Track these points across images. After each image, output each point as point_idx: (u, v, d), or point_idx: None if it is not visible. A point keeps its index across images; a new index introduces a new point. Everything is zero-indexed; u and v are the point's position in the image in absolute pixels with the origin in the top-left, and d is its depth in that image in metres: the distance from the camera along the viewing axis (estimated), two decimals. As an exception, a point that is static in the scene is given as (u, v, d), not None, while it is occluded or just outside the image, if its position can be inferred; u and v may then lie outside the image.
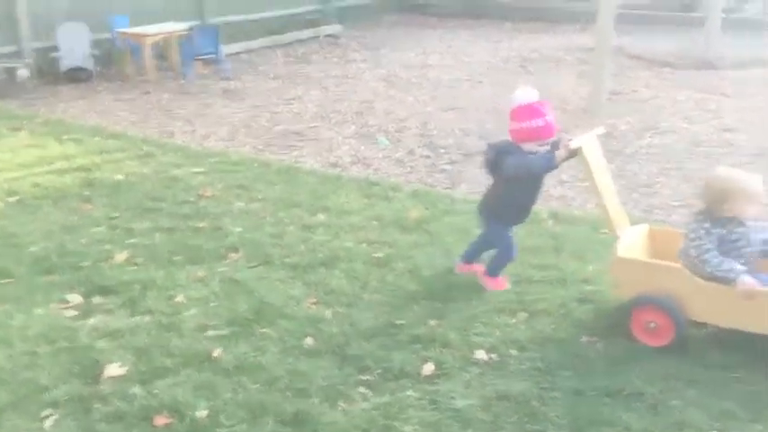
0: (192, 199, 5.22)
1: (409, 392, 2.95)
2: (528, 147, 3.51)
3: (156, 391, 2.98)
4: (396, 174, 5.90)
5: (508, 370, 3.11)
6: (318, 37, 12.09)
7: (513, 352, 3.24)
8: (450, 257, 4.17)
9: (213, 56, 9.52)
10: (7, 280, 3.99)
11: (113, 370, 3.13)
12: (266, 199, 5.20)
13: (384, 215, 4.88)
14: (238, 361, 3.19)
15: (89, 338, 3.40)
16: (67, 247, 4.39)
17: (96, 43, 9.43)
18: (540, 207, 3.78)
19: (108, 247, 4.41)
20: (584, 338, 3.35)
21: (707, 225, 3.17)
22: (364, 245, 4.40)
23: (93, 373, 3.13)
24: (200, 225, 4.73)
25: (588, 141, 3.47)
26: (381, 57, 10.67)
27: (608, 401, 2.87)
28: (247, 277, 3.98)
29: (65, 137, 6.78)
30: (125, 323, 3.53)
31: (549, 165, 3.47)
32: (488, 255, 3.91)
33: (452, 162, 6.16)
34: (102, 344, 3.35)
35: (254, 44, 11.25)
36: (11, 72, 8.62)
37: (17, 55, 9.06)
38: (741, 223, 3.17)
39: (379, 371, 3.10)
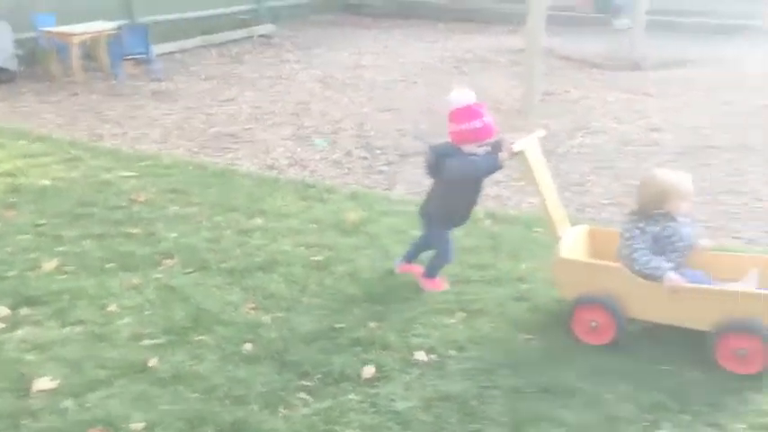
0: (123, 204, 5.08)
1: (350, 396, 2.95)
2: (468, 148, 3.54)
3: (89, 404, 2.90)
4: (333, 176, 5.88)
5: (448, 370, 3.14)
6: (252, 37, 11.94)
7: (453, 352, 3.27)
8: (390, 259, 4.19)
9: (143, 56, 9.29)
10: (-74, 293, 3.80)
11: (44, 383, 3.02)
12: (201, 203, 5.11)
13: (322, 218, 4.86)
14: (175, 370, 3.12)
15: (17, 351, 3.27)
16: (-9, 256, 4.21)
17: (20, 43, 9.07)
18: (477, 207, 3.84)
19: (35, 255, 4.25)
20: (521, 337, 3.41)
21: (641, 224, 3.27)
22: (303, 248, 4.38)
23: (21, 387, 3.01)
24: (133, 231, 4.61)
25: (530, 144, 3.52)
26: (316, 57, 10.62)
27: (545, 398, 2.93)
28: (183, 284, 3.90)
29: (-14, 141, 6.50)
30: (55, 334, 3.41)
31: (493, 167, 3.51)
32: (427, 256, 3.94)
33: (389, 163, 6.18)
34: (30, 357, 3.23)
35: (185, 44, 11.03)
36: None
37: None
38: (672, 219, 3.29)
39: (320, 375, 3.09)
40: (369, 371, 3.11)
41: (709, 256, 3.48)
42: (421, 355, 3.23)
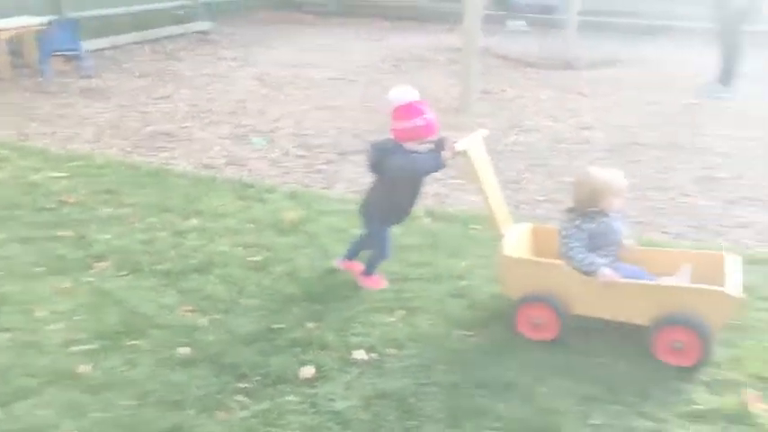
0: (53, 206, 4.92)
1: (289, 397, 2.93)
2: (410, 146, 3.54)
3: (17, 413, 2.80)
4: (271, 175, 5.82)
5: (387, 368, 3.15)
6: (188, 33, 11.72)
7: (392, 350, 3.29)
8: (329, 258, 4.18)
9: (73, 52, 9.00)
10: None
11: (-33, 394, 2.90)
12: (135, 204, 4.99)
13: (260, 217, 4.81)
14: (107, 376, 3.04)
15: (-63, 362, 3.13)
16: None
17: (-60, 38, 8.67)
18: (417, 205, 3.87)
19: (-43, 260, 4.07)
20: (459, 333, 3.45)
21: (578, 222, 3.35)
22: (240, 248, 4.32)
23: (-57, 399, 2.88)
24: (63, 233, 4.47)
25: (473, 143, 3.55)
26: (254, 55, 10.50)
27: (482, 393, 2.97)
28: (116, 287, 3.81)
29: None
30: (-21, 343, 3.28)
31: (436, 165, 3.52)
32: (366, 253, 3.94)
33: (328, 162, 6.16)
34: (-48, 367, 3.09)
35: (117, 40, 10.75)
36: None
37: None
38: (606, 215, 3.38)
39: (258, 377, 3.06)
40: (308, 371, 3.10)
41: (643, 251, 3.59)
42: (360, 354, 3.23)
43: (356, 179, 5.71)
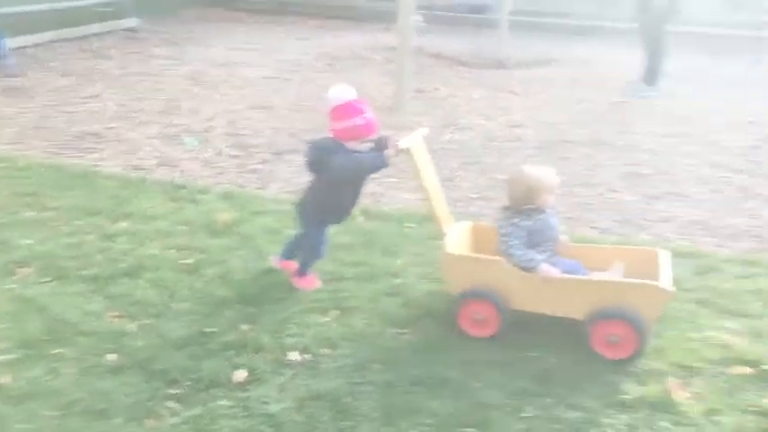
0: (-29, 210, 4.71)
1: (221, 402, 2.88)
2: (351, 145, 3.52)
3: (-69, 429, 2.66)
4: (204, 175, 5.72)
5: (321, 369, 3.14)
6: (116, 31, 11.40)
7: (326, 350, 3.27)
8: (263, 259, 4.13)
9: (-6, 50, 8.65)
10: None
11: None
12: (60, 207, 4.82)
13: (193, 219, 4.71)
14: (30, 386, 2.93)
15: None
16: None
17: None
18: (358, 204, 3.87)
19: None
20: (393, 331, 3.46)
21: (515, 220, 3.40)
22: (172, 251, 4.23)
23: None
24: (-17, 239, 4.28)
25: (415, 141, 3.55)
26: (186, 53, 10.30)
27: (417, 390, 2.99)
28: (39, 293, 3.67)
29: None
30: None
31: (379, 164, 3.51)
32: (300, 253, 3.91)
33: (263, 161, 6.09)
34: None
35: (41, 37, 10.36)
36: None
37: None
38: (542, 211, 3.45)
39: (189, 382, 3.00)
40: (240, 375, 3.05)
41: (579, 248, 3.68)
42: (294, 356, 3.21)
43: (291, 179, 5.67)
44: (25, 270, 3.93)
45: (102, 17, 11.59)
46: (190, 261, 4.09)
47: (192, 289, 3.78)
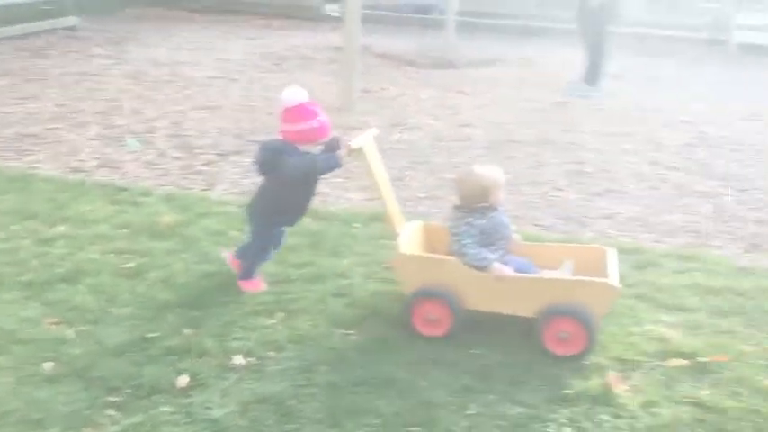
0: None
1: (163, 408, 2.82)
2: (302, 147, 3.49)
3: None
4: (147, 177, 5.61)
5: (266, 372, 3.10)
6: (55, 29, 11.08)
7: (272, 353, 3.24)
8: (208, 262, 4.07)
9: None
10: None
11: None
12: (-6, 211, 4.67)
13: (134, 222, 4.61)
14: (-38, 398, 2.82)
15: None
16: None
17: None
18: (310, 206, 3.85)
19: None
20: (339, 332, 3.45)
21: (469, 219, 3.41)
22: (112, 255, 4.13)
23: None
24: None
25: (366, 141, 3.54)
26: (128, 52, 10.08)
27: (362, 390, 2.98)
28: (-28, 302, 3.54)
29: None
30: None
31: (332, 165, 3.48)
32: (245, 261, 3.86)
33: (208, 163, 6.00)
34: None
35: (-24, 36, 10.02)
36: None
37: None
38: (495, 209, 3.48)
39: (130, 389, 2.93)
40: (183, 380, 2.99)
41: (529, 246, 3.72)
42: (239, 359, 3.16)
43: (237, 180, 5.61)
44: (-43, 277, 3.79)
45: (41, 15, 11.25)
46: (131, 265, 4.00)
47: (132, 293, 3.70)
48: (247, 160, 6.02)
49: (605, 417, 2.86)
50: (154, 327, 3.40)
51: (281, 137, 3.58)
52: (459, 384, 3.05)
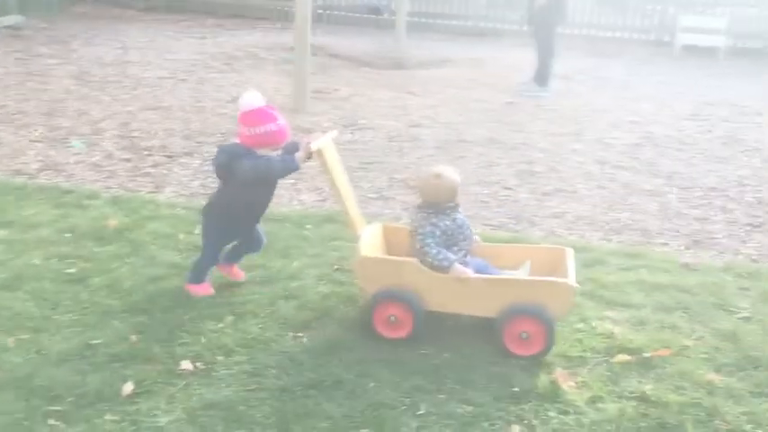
0: None
1: (107, 416, 2.76)
2: (262, 151, 3.45)
3: None
4: (93, 179, 5.48)
5: (214, 377, 3.05)
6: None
7: (220, 358, 3.19)
8: (156, 266, 4.00)
9: None
10: None
11: None
12: (-69, 216, 4.50)
13: (79, 226, 4.50)
14: None
15: None
16: None
17: None
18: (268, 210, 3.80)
19: None
20: (290, 335, 3.42)
21: (434, 220, 3.41)
22: (55, 260, 4.02)
23: None
24: None
25: (326, 143, 3.51)
26: (73, 52, 9.85)
27: (312, 394, 2.96)
28: None
29: None
30: None
31: (290, 167, 3.44)
32: (193, 264, 3.81)
33: (156, 164, 5.90)
34: None
35: None
36: None
37: None
38: (458, 210, 3.50)
39: (72, 398, 2.85)
40: (129, 387, 2.93)
41: (489, 247, 3.74)
42: (186, 365, 3.11)
43: (186, 182, 5.52)
44: None
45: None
46: (74, 270, 3.90)
47: (76, 300, 3.60)
48: (197, 162, 5.95)
49: (552, 413, 2.90)
50: (98, 333, 3.32)
51: (238, 141, 3.54)
52: (409, 384, 3.05)
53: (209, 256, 3.75)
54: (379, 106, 8.04)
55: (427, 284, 3.35)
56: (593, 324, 3.59)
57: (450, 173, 3.48)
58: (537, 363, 3.24)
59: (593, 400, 2.99)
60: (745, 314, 3.79)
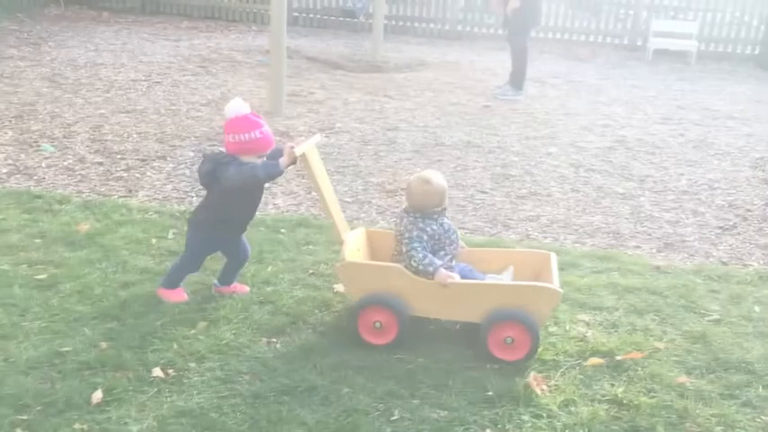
0: None
1: (76, 425, 2.72)
2: (247, 159, 3.43)
3: None
4: (64, 184, 5.40)
5: (187, 384, 3.02)
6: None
7: (192, 364, 3.16)
8: (127, 271, 3.95)
9: None
10: None
11: None
12: None
13: (49, 231, 4.44)
14: None
15: None
16: None
17: None
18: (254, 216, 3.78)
19: None
20: (263, 341, 3.40)
21: (422, 225, 3.42)
22: (24, 266, 3.96)
23: None
24: None
25: (310, 148, 3.50)
26: (45, 54, 9.71)
27: (286, 400, 2.95)
28: None
29: None
30: None
31: (275, 171, 3.43)
32: (171, 265, 3.77)
33: (129, 168, 5.83)
34: None
35: None
36: None
37: None
38: (444, 215, 3.51)
39: (41, 407, 2.81)
40: (98, 395, 2.89)
41: (472, 251, 3.75)
42: (157, 372, 3.08)
43: (159, 186, 5.47)
44: None
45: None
46: (43, 276, 3.84)
47: (45, 306, 3.55)
48: (170, 165, 5.90)
49: (526, 417, 2.92)
50: (68, 340, 3.27)
51: (224, 148, 3.52)
52: (384, 390, 3.05)
53: (189, 265, 3.72)
54: (356, 109, 8.03)
55: (412, 290, 3.35)
56: (567, 327, 3.62)
57: (439, 178, 3.50)
58: (511, 367, 3.25)
59: (565, 404, 3.01)
60: (716, 316, 3.84)
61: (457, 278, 3.35)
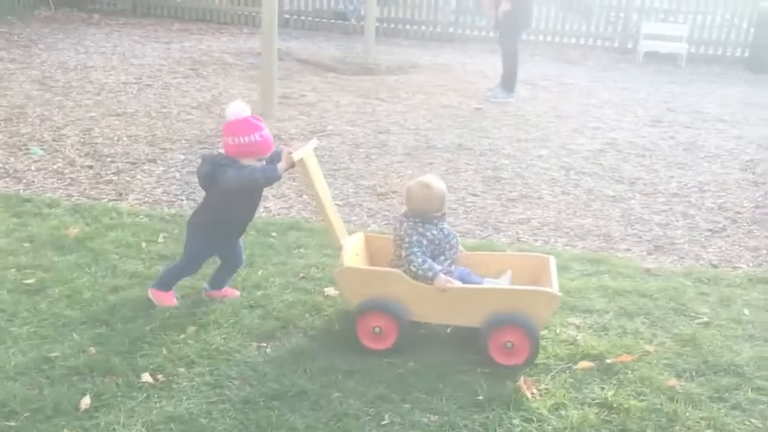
0: None
1: (64, 432, 2.71)
2: (246, 162, 3.43)
3: None
4: (53, 187, 5.38)
5: (176, 389, 3.01)
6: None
7: (182, 369, 3.15)
8: (116, 275, 3.94)
9: None
10: None
11: None
12: None
13: (38, 235, 4.41)
14: None
15: None
16: None
17: None
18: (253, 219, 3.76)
19: None
20: (253, 345, 3.39)
21: (421, 229, 3.41)
22: (13, 271, 3.93)
23: None
24: None
25: (307, 153, 3.49)
26: (35, 56, 9.66)
27: (276, 405, 2.94)
28: None
29: None
30: None
31: (273, 175, 3.42)
32: (168, 266, 3.76)
33: (119, 172, 5.81)
34: None
35: None
36: None
37: None
38: (443, 219, 3.50)
39: (28, 413, 2.79)
40: (87, 401, 2.87)
41: (471, 255, 3.75)
42: (147, 377, 3.06)
43: (150, 190, 5.45)
44: None
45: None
46: (32, 281, 3.82)
47: (34, 311, 3.53)
48: (161, 169, 5.88)
49: (516, 421, 2.91)
50: (56, 345, 3.25)
51: (223, 151, 3.51)
52: (374, 394, 3.04)
53: (187, 268, 3.72)
54: (347, 112, 8.02)
55: (412, 295, 3.34)
56: (557, 331, 3.62)
57: (439, 183, 3.50)
58: (501, 370, 3.25)
59: (555, 408, 3.01)
60: (705, 319, 3.85)
61: (456, 283, 3.34)
